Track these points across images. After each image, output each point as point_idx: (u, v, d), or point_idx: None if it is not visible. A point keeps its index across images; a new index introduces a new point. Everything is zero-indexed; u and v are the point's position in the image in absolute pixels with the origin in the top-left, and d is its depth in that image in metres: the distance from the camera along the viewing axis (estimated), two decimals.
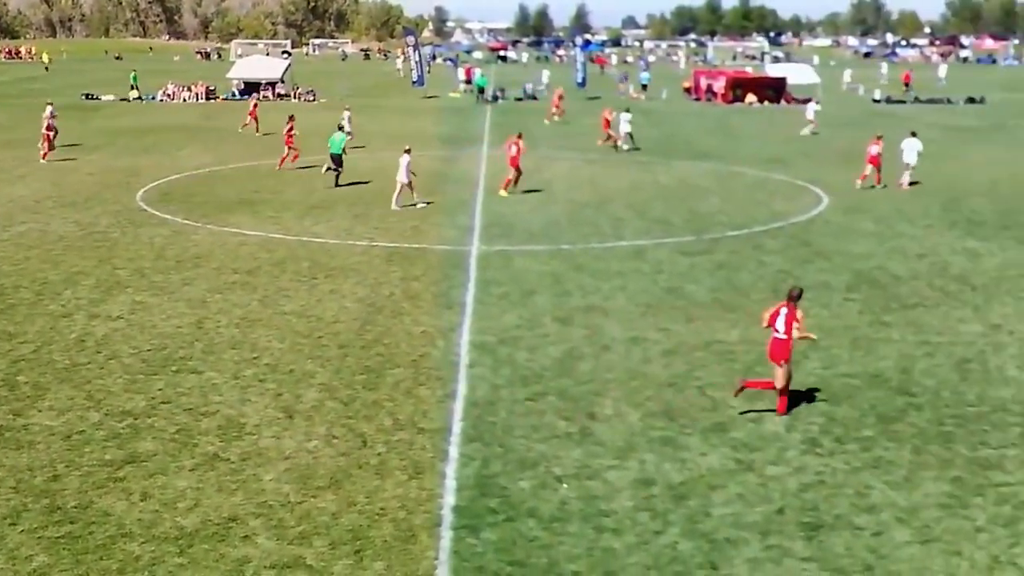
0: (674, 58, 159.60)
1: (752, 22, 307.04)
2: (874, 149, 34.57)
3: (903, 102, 75.17)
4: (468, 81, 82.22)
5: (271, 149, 45.11)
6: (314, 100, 73.48)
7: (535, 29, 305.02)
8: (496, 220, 28.71)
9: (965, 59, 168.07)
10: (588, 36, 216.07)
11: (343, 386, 15.74)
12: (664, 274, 22.83)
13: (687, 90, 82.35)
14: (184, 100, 73.54)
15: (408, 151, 30.77)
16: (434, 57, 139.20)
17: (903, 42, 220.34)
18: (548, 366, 16.73)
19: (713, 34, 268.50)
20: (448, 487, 12.36)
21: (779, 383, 14.68)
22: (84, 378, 16.06)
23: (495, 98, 75.92)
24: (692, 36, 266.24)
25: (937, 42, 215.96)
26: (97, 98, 72.81)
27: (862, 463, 13.15)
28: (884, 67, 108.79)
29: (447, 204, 31.23)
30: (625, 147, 45.24)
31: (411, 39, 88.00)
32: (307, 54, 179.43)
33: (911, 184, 34.79)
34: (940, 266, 23.73)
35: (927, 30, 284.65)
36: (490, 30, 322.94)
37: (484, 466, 12.97)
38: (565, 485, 12.46)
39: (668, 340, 18.14)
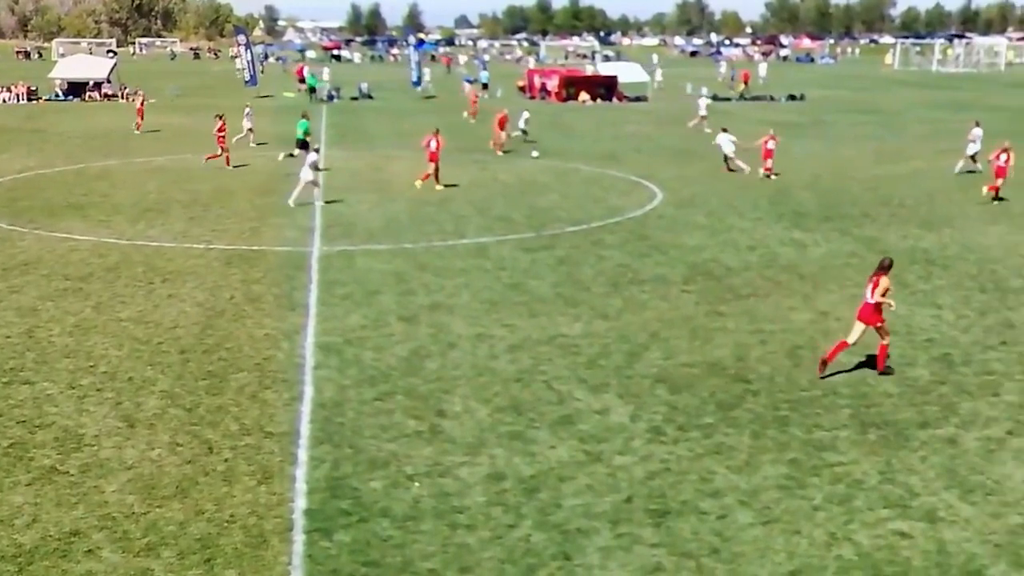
0: (508, 56, 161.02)
1: (582, 21, 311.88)
2: (770, 144, 36.80)
3: (729, 99, 77.46)
4: (302, 80, 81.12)
5: (104, 151, 43.66)
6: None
7: (368, 28, 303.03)
8: (336, 220, 28.42)
9: (785, 58, 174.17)
10: (422, 35, 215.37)
11: (186, 392, 15.33)
12: (507, 271, 22.99)
13: (521, 89, 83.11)
14: (4, 101, 70.39)
15: (316, 150, 31.10)
16: (266, 56, 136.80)
17: (727, 41, 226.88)
18: (395, 365, 16.65)
19: (544, 33, 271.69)
20: (298, 490, 12.18)
21: (885, 339, 16.22)
22: None
23: (331, 97, 75.15)
24: (524, 35, 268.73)
25: (759, 41, 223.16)
26: None
27: (704, 449, 13.51)
28: (723, 66, 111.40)
29: (286, 205, 30.71)
30: (528, 144, 45.61)
31: (242, 38, 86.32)
32: (134, 53, 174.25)
33: (731, 172, 37.51)
34: (770, 257, 24.55)
35: (749, 30, 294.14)
36: (323, 29, 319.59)
37: (334, 468, 12.82)
38: (417, 483, 12.42)
39: (513, 336, 18.27)
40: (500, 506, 11.88)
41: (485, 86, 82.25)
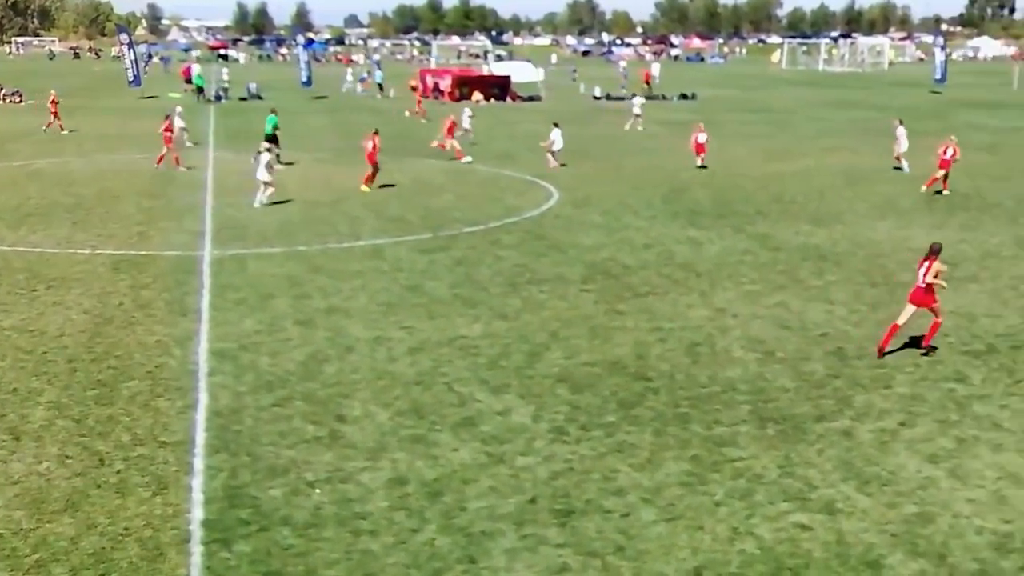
0: (400, 56, 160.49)
1: (473, 21, 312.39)
2: (701, 137, 39.87)
3: (621, 99, 78.22)
4: (188, 80, 79.74)
5: None
6: (21, 101, 69.39)
7: (255, 27, 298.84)
8: (228, 223, 27.96)
9: (676, 57, 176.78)
10: (311, 35, 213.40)
11: (74, 403, 14.91)
12: (404, 272, 22.88)
13: (414, 89, 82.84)
14: None
15: (268, 150, 31.38)
16: (150, 56, 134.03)
17: (618, 41, 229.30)
18: (292, 370, 16.45)
19: (436, 32, 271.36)
20: (195, 501, 11.94)
21: (940, 318, 17.53)
22: None
23: (218, 97, 73.97)
24: (416, 34, 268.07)
25: (650, 41, 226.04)
26: None
27: (607, 448, 13.61)
28: (622, 66, 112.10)
29: (174, 208, 30.16)
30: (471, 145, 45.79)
31: (124, 37, 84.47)
32: (10, 53, 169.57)
33: (562, 166, 39.31)
34: (666, 255, 24.86)
35: (639, 30, 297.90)
36: (208, 28, 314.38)
37: (232, 476, 12.61)
38: (318, 490, 12.28)
39: (412, 338, 18.19)
40: (403, 511, 11.81)
41: (380, 86, 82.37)
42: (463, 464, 13.07)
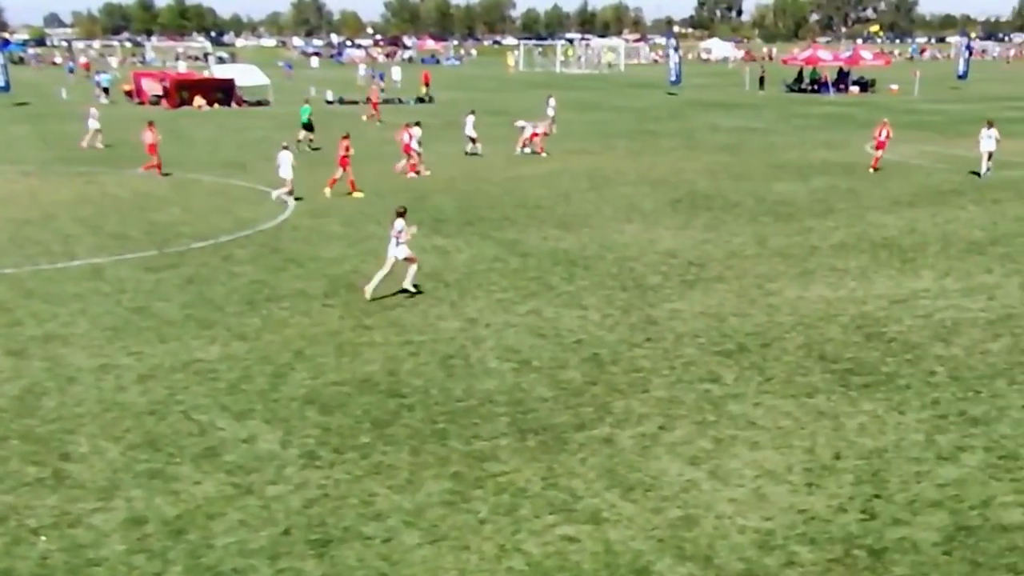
0: (110, 58, 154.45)
1: (191, 21, 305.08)
2: (539, 128, 47.07)
3: (356, 102, 78.08)
4: None
5: None
6: None
7: None
8: None
9: (410, 59, 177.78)
10: (6, 35, 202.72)
11: None
12: (128, 293, 22.02)
13: (128, 93, 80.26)
14: None
15: (287, 147, 33.85)
16: None
17: (348, 43, 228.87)
18: (6, 407, 15.54)
19: (149, 33, 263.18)
20: None
21: None
22: None
23: None
24: (127, 35, 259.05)
25: (382, 43, 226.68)
26: None
27: (363, 471, 13.51)
28: (362, 69, 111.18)
29: None
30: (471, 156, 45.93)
31: None
32: None
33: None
34: None
35: (370, 31, 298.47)
36: None
37: None
38: (43, 537, 11.64)
39: (142, 364, 17.53)
40: (143, 553, 11.34)
41: (107, 90, 79.99)
42: (207, 498, 12.68)
